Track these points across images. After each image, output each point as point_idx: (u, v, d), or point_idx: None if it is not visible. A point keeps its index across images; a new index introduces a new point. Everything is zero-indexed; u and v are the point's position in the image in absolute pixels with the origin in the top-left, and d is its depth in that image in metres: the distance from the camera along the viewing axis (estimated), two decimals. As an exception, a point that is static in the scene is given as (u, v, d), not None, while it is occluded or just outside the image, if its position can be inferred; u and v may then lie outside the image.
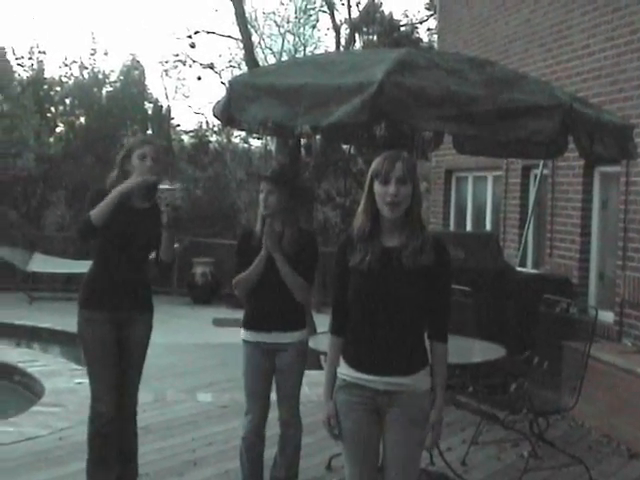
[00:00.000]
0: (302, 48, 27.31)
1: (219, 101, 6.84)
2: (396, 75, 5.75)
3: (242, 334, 6.13)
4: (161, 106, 23.48)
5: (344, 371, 4.35)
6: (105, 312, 5.86)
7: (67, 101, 22.44)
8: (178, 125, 25.14)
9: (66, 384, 9.92)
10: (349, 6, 23.58)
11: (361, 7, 22.94)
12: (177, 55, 25.65)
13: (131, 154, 5.89)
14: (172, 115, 24.04)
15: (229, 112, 6.53)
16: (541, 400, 7.43)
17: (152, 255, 6.08)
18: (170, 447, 7.79)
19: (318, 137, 14.52)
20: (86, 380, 6.13)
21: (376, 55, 7.17)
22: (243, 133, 23.54)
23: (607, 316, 9.90)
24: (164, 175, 6.14)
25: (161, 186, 5.83)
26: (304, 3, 27.01)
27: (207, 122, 25.48)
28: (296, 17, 27.28)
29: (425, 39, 24.45)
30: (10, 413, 8.99)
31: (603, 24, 10.55)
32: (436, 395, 4.31)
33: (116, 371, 5.93)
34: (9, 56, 21.81)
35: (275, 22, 27.58)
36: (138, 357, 6.11)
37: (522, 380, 7.61)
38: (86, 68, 22.49)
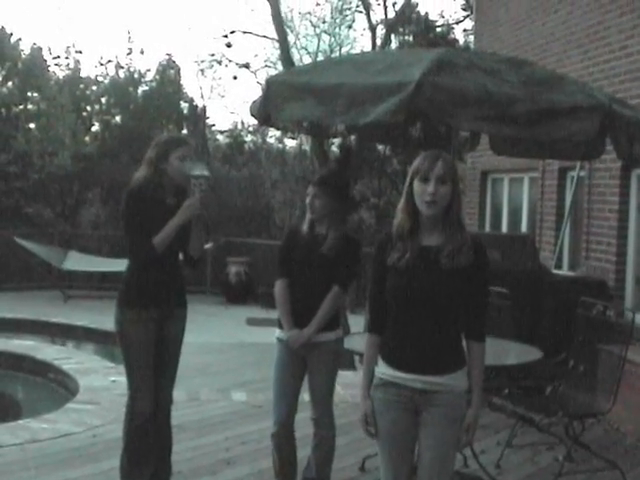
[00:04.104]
0: (338, 48, 27.29)
1: (256, 100, 6.83)
2: (434, 75, 5.72)
3: (276, 332, 6.17)
4: (196, 105, 23.53)
5: (381, 369, 4.33)
6: (149, 310, 5.87)
7: (103, 100, 22.52)
8: (213, 125, 25.21)
9: (101, 382, 9.97)
10: (385, 6, 23.54)
11: (397, 7, 22.89)
12: (213, 55, 25.73)
13: (168, 154, 5.86)
14: (207, 114, 24.05)
15: (266, 111, 6.52)
16: (577, 403, 7.38)
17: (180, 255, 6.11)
18: (204, 446, 7.81)
19: (353, 137, 14.53)
20: (120, 378, 6.16)
21: (414, 55, 7.15)
22: (278, 133, 23.61)
23: (644, 319, 9.81)
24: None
25: (197, 172, 5.83)
26: (340, 3, 26.99)
27: (242, 122, 25.58)
28: (332, 17, 27.26)
29: (461, 40, 24.39)
30: (45, 410, 9.04)
31: (641, 25, 10.47)
32: (473, 395, 4.29)
33: (153, 369, 5.96)
34: (46, 56, 21.95)
35: (311, 22, 27.60)
36: (176, 352, 6.14)
37: (558, 383, 7.57)
38: (122, 67, 22.57)
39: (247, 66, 25.84)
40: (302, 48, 27.38)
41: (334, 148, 21.46)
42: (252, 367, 11.25)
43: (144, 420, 5.92)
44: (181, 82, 23.40)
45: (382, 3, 23.88)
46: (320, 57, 26.53)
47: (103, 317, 13.70)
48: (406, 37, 22.80)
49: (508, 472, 7.39)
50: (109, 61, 22.79)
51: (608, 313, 7.77)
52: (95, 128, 22.50)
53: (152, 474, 6.02)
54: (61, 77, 22.26)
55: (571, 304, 8.19)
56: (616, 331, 7.72)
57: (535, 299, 9.78)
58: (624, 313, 8.81)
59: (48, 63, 21.97)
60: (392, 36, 22.01)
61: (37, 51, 21.53)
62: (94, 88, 22.63)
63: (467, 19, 24.25)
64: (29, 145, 19.89)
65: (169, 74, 22.97)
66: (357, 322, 11.48)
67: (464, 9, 24.62)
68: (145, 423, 5.93)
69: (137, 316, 5.86)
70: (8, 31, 21.14)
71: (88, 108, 22.42)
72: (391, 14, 22.79)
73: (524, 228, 13.98)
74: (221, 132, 25.50)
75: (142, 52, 23.63)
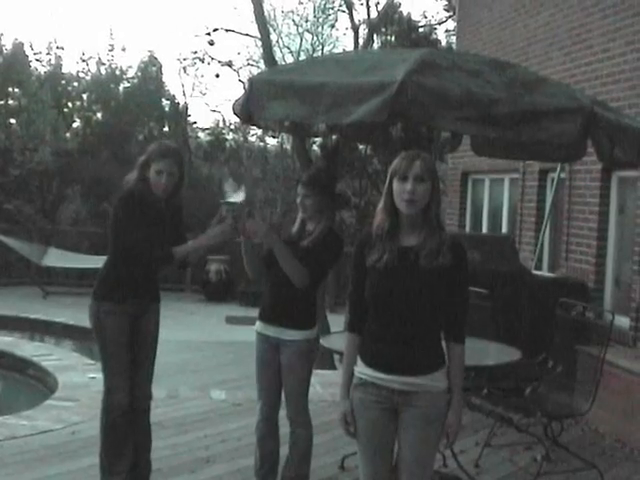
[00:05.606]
0: (320, 47, 27.32)
1: (239, 99, 6.82)
2: (417, 75, 5.72)
3: (255, 325, 6.18)
4: (178, 103, 23.51)
5: (361, 370, 4.34)
6: (125, 304, 5.90)
7: (84, 96, 22.52)
8: (195, 122, 25.19)
9: (80, 378, 9.94)
10: (368, 6, 23.58)
11: (380, 7, 22.91)
12: (195, 52, 25.66)
13: (149, 164, 5.90)
14: (189, 112, 24.04)
15: (249, 110, 6.50)
16: (555, 404, 7.40)
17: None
18: (183, 443, 7.79)
19: (334, 137, 14.54)
20: (99, 375, 6.15)
21: (397, 55, 7.14)
22: (259, 132, 23.60)
23: (622, 321, 9.84)
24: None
25: (232, 199, 5.86)
26: (323, 2, 27.02)
27: (224, 120, 25.53)
28: (315, 16, 27.29)
29: (443, 40, 24.41)
30: (24, 407, 9.01)
31: (623, 28, 10.50)
32: (453, 396, 4.30)
33: (130, 363, 5.96)
34: (27, 51, 21.89)
35: (294, 21, 27.59)
36: (152, 347, 6.15)
37: (537, 383, 7.59)
38: (104, 64, 22.57)
39: (229, 64, 25.79)
40: (285, 47, 27.40)
41: (315, 147, 21.47)
42: (231, 365, 11.27)
43: (120, 413, 5.92)
44: (163, 79, 23.42)
45: (365, 3, 23.93)
46: (302, 56, 26.54)
47: (82, 314, 13.57)
48: (388, 37, 22.78)
49: (487, 472, 7.40)
50: (91, 57, 22.80)
51: (587, 314, 7.81)
52: (76, 124, 22.50)
53: (131, 470, 6.02)
54: (42, 73, 22.24)
55: (550, 305, 8.22)
56: (595, 332, 7.76)
57: (515, 300, 9.81)
58: (603, 314, 8.86)
59: (30, 59, 21.92)
60: (374, 36, 21.99)
61: (19, 47, 21.48)
62: (75, 84, 22.63)
63: (449, 20, 24.30)
64: (10, 141, 19.84)
65: (151, 71, 22.96)
66: (337, 321, 11.49)
67: (446, 10, 24.67)
68: (121, 417, 5.93)
69: (112, 308, 5.89)
70: (-11, 27, 21.15)
71: (69, 104, 22.42)
72: (374, 14, 22.81)
73: (504, 229, 14.02)
74: (202, 130, 25.49)
75: (124, 49, 23.70)
